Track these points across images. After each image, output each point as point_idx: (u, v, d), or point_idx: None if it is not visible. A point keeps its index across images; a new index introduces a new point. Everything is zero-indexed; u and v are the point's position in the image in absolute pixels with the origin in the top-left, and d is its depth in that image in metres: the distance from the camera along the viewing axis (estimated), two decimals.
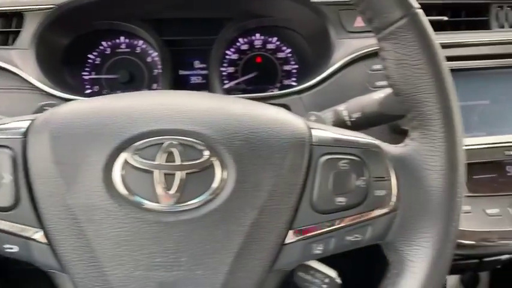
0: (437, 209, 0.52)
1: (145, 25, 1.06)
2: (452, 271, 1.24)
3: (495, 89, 0.97)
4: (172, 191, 0.48)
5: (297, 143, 0.52)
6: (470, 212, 0.85)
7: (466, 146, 0.90)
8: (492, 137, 0.94)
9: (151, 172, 0.48)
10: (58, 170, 0.49)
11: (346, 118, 0.72)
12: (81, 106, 0.53)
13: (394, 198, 0.53)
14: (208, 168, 0.49)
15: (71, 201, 0.49)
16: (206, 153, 0.49)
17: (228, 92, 1.10)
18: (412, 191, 0.53)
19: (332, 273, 0.59)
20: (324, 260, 0.57)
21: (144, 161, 0.49)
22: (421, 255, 0.52)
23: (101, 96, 0.57)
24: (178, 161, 0.49)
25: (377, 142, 0.55)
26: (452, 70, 0.94)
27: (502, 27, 1.03)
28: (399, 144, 0.56)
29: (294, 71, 1.12)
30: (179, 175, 0.48)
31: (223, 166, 0.49)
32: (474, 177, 0.90)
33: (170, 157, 0.49)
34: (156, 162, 0.49)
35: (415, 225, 0.53)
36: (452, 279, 1.28)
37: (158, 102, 0.52)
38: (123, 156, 0.49)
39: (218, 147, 0.50)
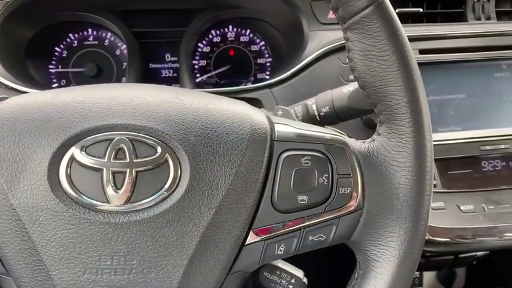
0: (405, 207, 0.50)
1: (112, 16, 1.02)
2: (428, 267, 1.24)
3: (471, 82, 0.96)
4: (123, 190, 0.46)
5: (257, 138, 0.49)
6: (444, 209, 0.83)
7: (441, 141, 0.91)
8: (468, 131, 0.93)
9: (100, 170, 0.46)
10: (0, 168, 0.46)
11: (315, 112, 0.70)
12: (25, 100, 0.49)
13: (359, 196, 0.51)
14: (161, 165, 0.46)
15: (14, 201, 0.46)
16: (159, 149, 0.46)
17: (200, 85, 1.07)
18: (378, 189, 0.51)
19: (299, 273, 0.57)
20: (291, 259, 0.55)
21: (92, 158, 0.46)
22: (388, 256, 0.50)
23: (49, 90, 0.54)
24: (128, 158, 0.46)
25: (343, 138, 0.53)
26: (428, 63, 0.94)
27: (479, 19, 1.01)
28: (367, 140, 0.54)
29: (268, 64, 1.09)
30: (130, 173, 0.46)
31: (177, 163, 0.47)
32: (449, 172, 0.88)
33: (120, 154, 0.46)
34: (105, 160, 0.46)
35: (381, 224, 0.51)
36: (429, 276, 1.27)
37: (108, 96, 0.49)
38: (70, 153, 0.46)
39: (172, 143, 0.47)
